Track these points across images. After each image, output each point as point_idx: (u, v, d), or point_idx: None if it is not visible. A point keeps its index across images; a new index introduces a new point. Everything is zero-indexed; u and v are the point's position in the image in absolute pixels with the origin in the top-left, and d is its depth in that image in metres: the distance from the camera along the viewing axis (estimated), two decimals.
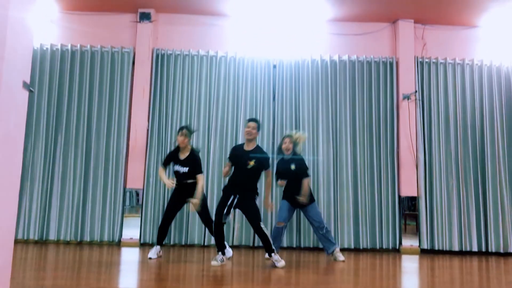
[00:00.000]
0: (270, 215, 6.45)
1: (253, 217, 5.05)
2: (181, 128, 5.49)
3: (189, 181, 5.37)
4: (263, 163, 5.12)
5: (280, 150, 5.64)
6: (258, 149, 5.20)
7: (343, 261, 5.49)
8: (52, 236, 6.37)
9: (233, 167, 5.27)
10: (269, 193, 5.27)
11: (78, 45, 6.73)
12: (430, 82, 6.92)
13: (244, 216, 5.71)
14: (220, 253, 5.09)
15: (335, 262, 5.45)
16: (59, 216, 6.40)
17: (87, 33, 6.88)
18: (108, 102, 6.65)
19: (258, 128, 5.22)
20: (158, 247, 5.45)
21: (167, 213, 5.48)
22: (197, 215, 6.07)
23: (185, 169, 5.37)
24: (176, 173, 5.46)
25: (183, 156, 5.45)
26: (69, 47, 6.72)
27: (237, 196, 5.08)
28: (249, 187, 5.14)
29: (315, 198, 5.93)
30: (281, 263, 5.00)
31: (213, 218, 5.18)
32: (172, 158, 5.52)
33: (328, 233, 5.58)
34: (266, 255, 5.19)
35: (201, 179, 5.35)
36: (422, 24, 7.08)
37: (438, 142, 6.73)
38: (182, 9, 6.86)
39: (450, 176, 6.65)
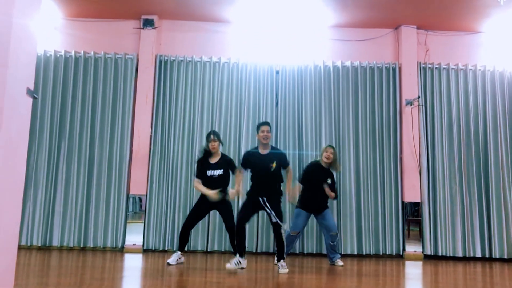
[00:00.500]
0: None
1: (277, 225, 5.04)
2: (211, 134, 5.49)
3: (219, 189, 5.31)
4: (284, 162, 5.21)
5: (320, 157, 5.65)
6: (274, 149, 5.27)
7: (342, 265, 5.54)
8: (56, 242, 6.38)
9: (250, 174, 5.27)
10: (290, 186, 5.25)
11: (82, 52, 6.76)
12: (433, 87, 6.91)
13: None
14: (238, 255, 5.06)
15: (339, 268, 5.43)
16: (62, 222, 6.41)
17: (91, 39, 6.91)
18: (111, 108, 6.67)
19: (271, 130, 5.25)
20: (179, 253, 5.45)
21: (190, 218, 5.47)
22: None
23: (220, 171, 5.38)
24: (210, 179, 5.38)
25: (214, 160, 5.46)
26: (72, 53, 6.75)
27: (265, 198, 5.08)
28: (275, 189, 5.17)
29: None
30: (285, 270, 5.01)
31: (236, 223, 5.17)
32: (203, 165, 5.45)
33: (337, 244, 5.65)
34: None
35: (239, 175, 5.32)
36: (424, 30, 7.09)
37: (441, 148, 6.71)
38: (185, 16, 6.88)
39: (454, 181, 6.63)
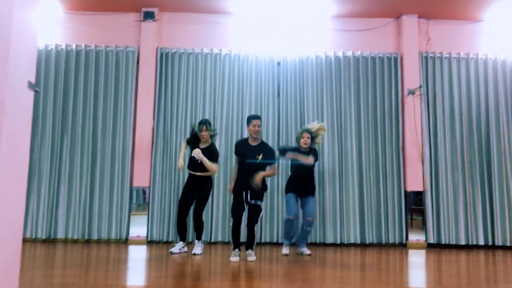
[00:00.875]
0: (276, 211, 6.47)
1: (255, 218, 5.17)
2: (204, 124, 5.60)
3: (199, 173, 5.58)
4: (272, 159, 5.22)
5: (297, 143, 5.73)
6: (264, 144, 5.32)
7: (309, 254, 5.59)
8: (60, 235, 6.42)
9: (239, 167, 5.33)
10: (266, 174, 5.22)
11: (83, 45, 6.76)
12: (435, 76, 6.89)
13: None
14: (236, 249, 5.15)
15: (341, 258, 5.46)
16: (66, 215, 6.45)
17: (92, 33, 6.91)
18: (113, 101, 6.68)
19: (262, 124, 5.36)
20: (181, 242, 5.63)
21: (180, 207, 5.67)
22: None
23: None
24: (191, 160, 5.64)
25: (203, 146, 5.63)
26: (73, 47, 6.75)
27: (248, 192, 5.15)
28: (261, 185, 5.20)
29: (321, 193, 6.00)
30: (253, 258, 5.15)
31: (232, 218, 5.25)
32: (194, 142, 5.67)
33: (308, 232, 5.74)
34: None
35: (214, 166, 5.53)
36: (426, 19, 7.05)
37: (443, 137, 6.70)
38: (185, 8, 6.86)
39: (456, 170, 6.63)
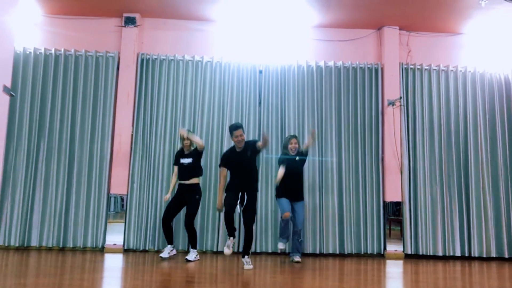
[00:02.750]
0: (270, 214, 6.49)
1: (251, 218, 5.40)
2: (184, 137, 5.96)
3: (188, 182, 5.86)
4: (254, 145, 5.46)
5: (285, 149, 6.01)
6: (246, 143, 5.51)
7: (299, 262, 5.77)
8: (34, 242, 6.31)
9: (231, 173, 5.53)
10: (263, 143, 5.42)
11: (62, 49, 6.69)
12: (415, 88, 7.01)
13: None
14: (232, 237, 5.34)
15: (320, 267, 5.50)
16: (41, 222, 6.34)
17: (71, 37, 6.86)
18: (92, 107, 6.62)
19: (244, 131, 5.55)
20: (169, 246, 5.85)
21: (166, 211, 5.88)
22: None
23: (189, 160, 5.88)
24: (180, 167, 5.94)
25: (187, 151, 5.99)
26: (52, 51, 6.68)
27: (245, 193, 5.41)
28: (252, 185, 5.51)
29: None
30: (250, 266, 5.28)
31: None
32: (178, 156, 6.04)
33: (302, 242, 6.00)
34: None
35: (200, 141, 5.95)
36: (407, 31, 7.18)
37: (422, 148, 6.81)
38: (167, 14, 6.86)
39: (434, 181, 6.73)
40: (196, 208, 5.91)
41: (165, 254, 5.78)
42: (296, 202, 5.91)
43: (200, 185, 6.05)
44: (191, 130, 6.21)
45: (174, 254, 5.93)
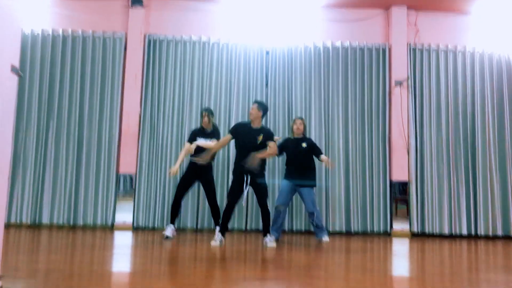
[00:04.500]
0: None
1: (264, 195, 5.33)
2: (205, 110, 5.87)
3: (201, 163, 5.48)
4: (270, 137, 5.31)
5: (290, 131, 5.88)
6: (263, 127, 5.43)
7: (327, 241, 5.64)
8: (45, 220, 6.39)
9: (237, 150, 5.39)
10: (265, 155, 5.24)
11: (70, 31, 6.70)
12: (423, 68, 6.95)
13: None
14: (220, 234, 5.27)
15: (326, 245, 5.52)
16: (52, 200, 6.42)
17: (79, 18, 6.85)
18: (100, 88, 6.64)
19: (259, 108, 5.34)
20: (172, 225, 5.74)
21: (178, 190, 5.80)
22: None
23: (209, 140, 5.70)
24: (199, 147, 5.68)
25: (207, 130, 5.83)
26: (60, 32, 6.69)
27: (249, 176, 5.24)
28: (260, 165, 5.28)
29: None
30: (273, 244, 5.24)
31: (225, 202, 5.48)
32: (196, 134, 5.82)
33: (319, 223, 5.69)
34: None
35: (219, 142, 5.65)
36: (415, 10, 7.10)
37: (429, 128, 6.78)
38: None
39: (441, 161, 6.71)
40: (213, 184, 5.88)
41: (169, 232, 5.63)
42: (302, 187, 5.63)
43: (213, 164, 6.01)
44: (198, 112, 6.17)
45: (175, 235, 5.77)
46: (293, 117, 6.45)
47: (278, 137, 5.83)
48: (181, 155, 5.84)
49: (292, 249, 5.32)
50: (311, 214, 5.62)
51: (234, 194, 5.29)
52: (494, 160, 6.76)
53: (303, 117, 6.52)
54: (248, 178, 5.24)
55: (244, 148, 5.25)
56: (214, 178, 6.04)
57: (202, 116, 5.83)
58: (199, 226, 6.48)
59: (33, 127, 6.48)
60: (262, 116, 5.38)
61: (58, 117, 6.56)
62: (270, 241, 5.27)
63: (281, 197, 5.67)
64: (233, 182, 5.38)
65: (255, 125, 5.32)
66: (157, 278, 3.66)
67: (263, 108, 5.38)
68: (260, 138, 5.24)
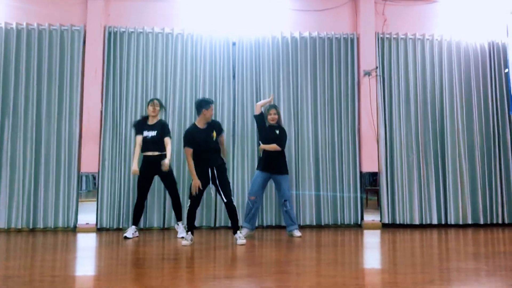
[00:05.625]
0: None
1: (229, 191, 5.38)
2: (153, 99, 5.93)
3: (156, 153, 5.68)
4: (219, 130, 5.54)
5: (266, 121, 5.93)
6: (210, 124, 5.47)
7: (299, 236, 5.75)
8: (2, 224, 6.21)
9: (197, 154, 5.37)
10: (224, 150, 5.77)
11: (24, 24, 6.49)
12: (391, 58, 7.03)
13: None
14: (189, 232, 5.28)
15: (297, 240, 5.55)
16: (9, 203, 6.23)
17: (34, 10, 6.64)
18: (58, 83, 6.46)
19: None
20: (134, 227, 5.75)
21: (140, 191, 5.78)
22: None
23: (153, 133, 5.71)
24: (145, 140, 5.73)
25: (151, 122, 5.82)
26: (14, 25, 6.47)
27: (214, 169, 5.35)
28: (221, 159, 5.50)
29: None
30: (243, 241, 5.24)
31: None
32: (141, 125, 5.82)
33: (291, 211, 5.83)
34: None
35: (169, 142, 5.75)
36: None
37: (398, 117, 6.88)
38: None
39: (411, 150, 6.83)
40: (173, 177, 5.91)
41: (129, 234, 5.65)
42: (278, 175, 5.79)
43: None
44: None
45: (136, 236, 5.75)
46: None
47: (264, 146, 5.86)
48: (136, 151, 5.79)
49: (262, 245, 5.33)
50: (285, 202, 5.77)
51: (199, 194, 5.27)
52: (463, 148, 6.90)
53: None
54: (213, 172, 5.34)
55: (203, 151, 5.33)
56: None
57: (151, 105, 5.85)
58: (165, 225, 6.40)
59: None
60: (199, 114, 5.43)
61: (14, 115, 6.36)
62: (240, 238, 5.27)
63: (255, 187, 5.75)
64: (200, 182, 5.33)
65: (203, 125, 5.41)
66: (123, 281, 3.61)
67: (197, 106, 5.46)
68: (214, 134, 5.42)
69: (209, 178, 5.36)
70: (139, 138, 5.77)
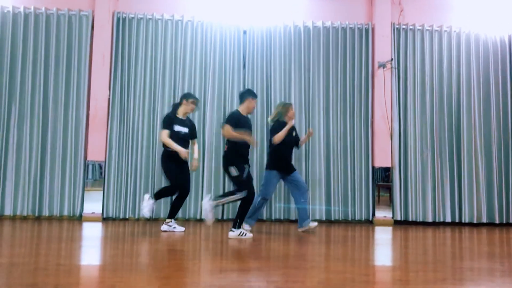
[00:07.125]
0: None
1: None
2: (197, 99, 5.80)
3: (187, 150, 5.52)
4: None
5: (281, 118, 5.64)
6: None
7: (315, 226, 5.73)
8: (8, 211, 6.29)
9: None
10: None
11: (32, 8, 6.52)
12: (407, 49, 6.99)
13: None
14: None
15: (306, 234, 5.55)
16: (15, 190, 6.32)
17: None
18: (65, 69, 6.51)
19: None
20: (174, 221, 5.65)
21: (182, 183, 5.53)
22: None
23: (186, 130, 5.56)
24: (176, 135, 5.45)
25: (183, 117, 5.63)
26: (21, 9, 6.51)
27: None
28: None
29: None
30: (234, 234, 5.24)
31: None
32: (172, 120, 5.53)
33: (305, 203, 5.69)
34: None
35: (196, 143, 5.86)
36: None
37: (413, 112, 6.84)
38: None
39: (425, 146, 6.80)
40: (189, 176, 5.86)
41: (179, 229, 5.58)
42: (291, 174, 5.61)
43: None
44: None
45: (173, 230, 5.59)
46: (273, 101, 6.51)
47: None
48: (174, 144, 5.40)
49: (271, 238, 5.36)
50: (305, 192, 5.64)
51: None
52: (479, 144, 6.86)
53: (282, 100, 6.56)
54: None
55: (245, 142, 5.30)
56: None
57: (193, 103, 5.61)
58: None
59: None
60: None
61: (21, 100, 6.41)
62: (232, 231, 5.21)
63: (271, 188, 5.62)
64: (248, 175, 5.29)
65: (244, 113, 5.42)
66: (129, 271, 3.64)
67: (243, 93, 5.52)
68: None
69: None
70: (168, 133, 5.43)
